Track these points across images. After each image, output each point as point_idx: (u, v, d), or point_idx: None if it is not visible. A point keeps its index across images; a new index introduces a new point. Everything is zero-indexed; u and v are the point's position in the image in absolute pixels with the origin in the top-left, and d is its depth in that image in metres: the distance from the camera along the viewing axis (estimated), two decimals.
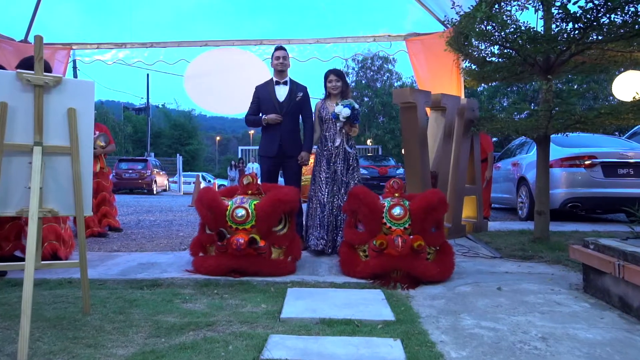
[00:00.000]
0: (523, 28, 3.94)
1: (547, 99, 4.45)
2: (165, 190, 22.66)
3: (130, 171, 18.99)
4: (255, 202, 3.49)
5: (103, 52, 6.58)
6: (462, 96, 5.88)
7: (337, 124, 4.32)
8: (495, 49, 4.85)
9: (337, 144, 4.35)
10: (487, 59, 5.12)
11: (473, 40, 5.08)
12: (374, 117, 25.87)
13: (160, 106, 46.62)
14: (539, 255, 4.13)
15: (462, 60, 5.81)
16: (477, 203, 5.60)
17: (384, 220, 3.45)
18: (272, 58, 4.50)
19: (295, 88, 4.49)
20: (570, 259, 3.88)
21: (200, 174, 28.13)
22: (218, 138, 63.64)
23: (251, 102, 4.58)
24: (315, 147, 4.61)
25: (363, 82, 26.54)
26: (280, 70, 4.44)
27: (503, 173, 8.43)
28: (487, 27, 4.14)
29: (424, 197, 3.48)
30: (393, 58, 26.28)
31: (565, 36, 3.83)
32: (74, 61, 22.80)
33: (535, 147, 7.67)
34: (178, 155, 24.22)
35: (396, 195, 3.64)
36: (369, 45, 6.77)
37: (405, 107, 4.73)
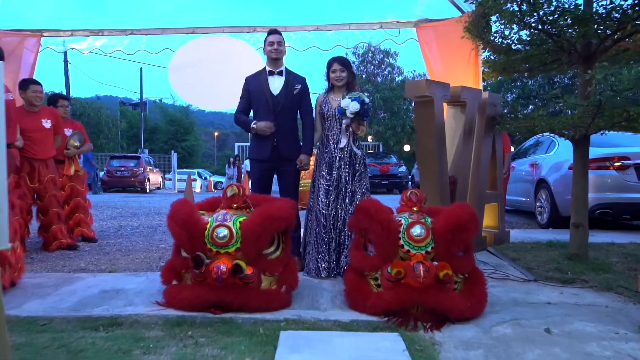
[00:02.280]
0: (567, 6, 3.26)
1: (588, 92, 3.78)
2: (159, 188, 21.96)
3: (122, 169, 18.25)
4: (241, 219, 2.82)
5: (78, 39, 5.90)
6: (480, 89, 5.20)
7: (343, 121, 3.64)
8: (525, 34, 4.18)
9: (341, 145, 3.67)
10: (513, 46, 4.46)
11: (496, 24, 4.41)
12: (375, 113, 25.15)
13: (157, 101, 45.67)
14: (581, 279, 3.47)
15: (482, 49, 5.14)
16: (499, 211, 4.93)
17: (401, 242, 2.78)
18: (264, 44, 3.82)
19: (293, 79, 3.80)
20: (624, 285, 3.24)
21: (196, 170, 27.40)
22: (216, 133, 62.67)
23: (241, 97, 3.89)
24: (315, 147, 3.93)
25: (364, 76, 25.80)
26: (275, 58, 3.75)
27: (518, 174, 7.76)
28: (522, 7, 3.46)
29: (451, 214, 2.81)
30: (395, 52, 25.59)
31: (620, 14, 3.15)
32: (65, 53, 21.99)
33: (556, 147, 7.06)
34: (173, 152, 23.49)
35: (414, 209, 2.97)
36: (374, 32, 6.06)
37: (420, 102, 4.06)
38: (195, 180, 23.55)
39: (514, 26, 4.23)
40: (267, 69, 3.79)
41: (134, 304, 2.86)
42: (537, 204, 6.94)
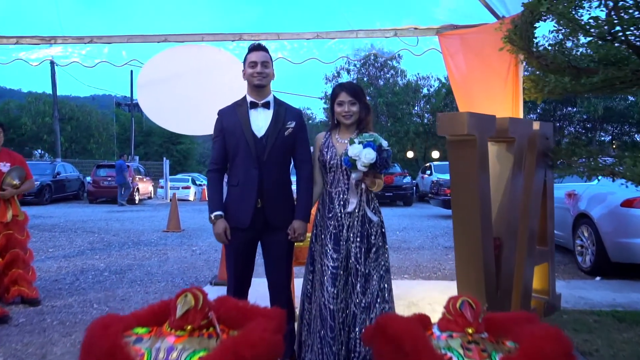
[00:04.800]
0: None
1: None
2: (149, 197, 20.89)
3: (109, 179, 17.11)
4: (197, 358, 1.76)
5: (26, 48, 4.84)
6: (520, 116, 4.15)
7: (352, 176, 2.58)
8: (595, 46, 3.14)
9: (350, 208, 2.61)
10: (573, 62, 3.42)
11: (553, 35, 3.37)
12: (377, 119, 24.05)
13: None
14: None
15: (525, 64, 4.09)
16: (550, 271, 3.87)
17: None
18: (244, 64, 2.74)
19: (284, 114, 2.72)
20: None
21: (190, 176, 26.17)
22: None
23: (213, 138, 2.80)
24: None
25: (365, 79, 24.70)
26: (258, 84, 2.67)
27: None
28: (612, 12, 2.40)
29: (533, 349, 1.75)
30: (398, 54, 24.42)
31: None
32: (51, 60, 20.89)
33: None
34: (164, 159, 22.44)
35: (470, 332, 1.90)
36: (387, 41, 5.00)
37: (457, 142, 3.01)
38: (188, 187, 22.44)
39: (581, 37, 3.20)
40: (249, 99, 2.72)
41: None
42: (577, 242, 5.89)
